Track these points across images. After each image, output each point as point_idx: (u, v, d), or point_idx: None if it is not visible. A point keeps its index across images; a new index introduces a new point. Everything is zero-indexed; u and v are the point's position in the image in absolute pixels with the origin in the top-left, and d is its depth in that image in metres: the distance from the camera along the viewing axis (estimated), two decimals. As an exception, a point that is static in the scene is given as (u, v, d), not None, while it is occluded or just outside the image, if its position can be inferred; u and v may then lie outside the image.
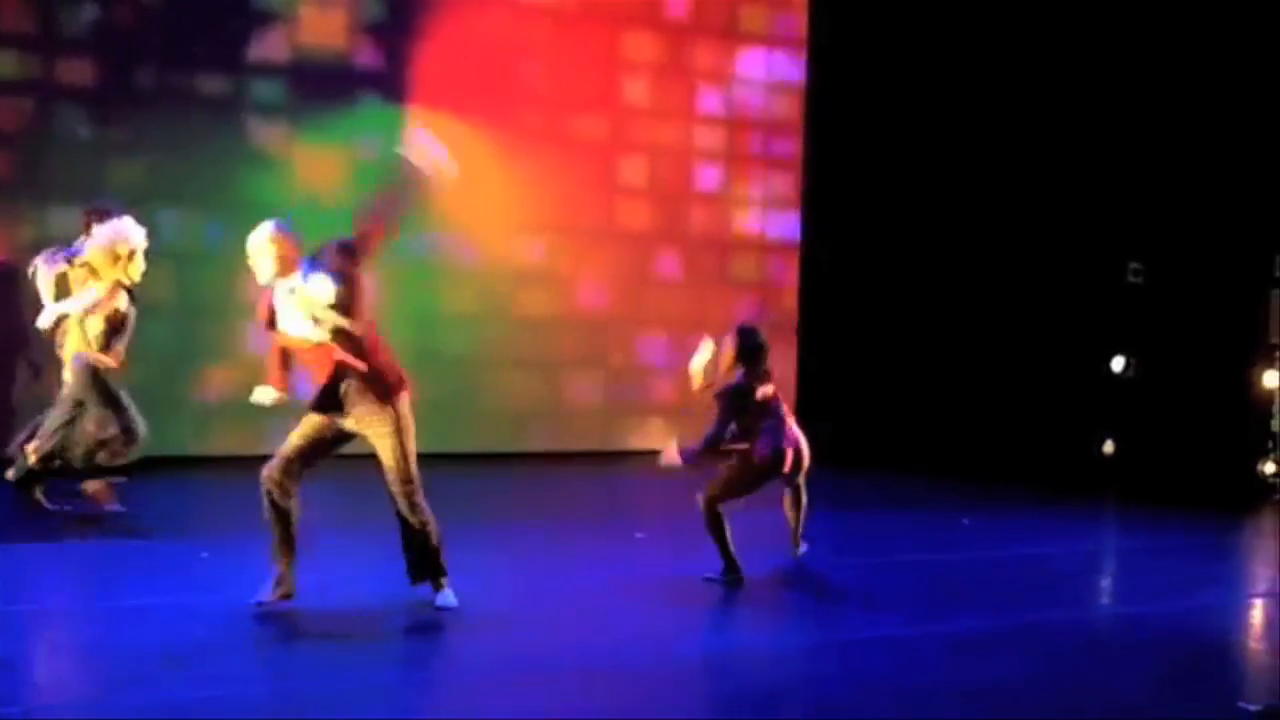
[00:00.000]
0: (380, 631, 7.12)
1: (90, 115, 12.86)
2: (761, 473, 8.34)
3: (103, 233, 9.57)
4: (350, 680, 6.12)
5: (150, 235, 12.61)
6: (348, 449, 7.36)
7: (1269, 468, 12.57)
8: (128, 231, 9.60)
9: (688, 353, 14.88)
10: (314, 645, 6.70)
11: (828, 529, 9.91)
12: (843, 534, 10.02)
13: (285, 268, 7.49)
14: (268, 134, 13.52)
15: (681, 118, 15.28)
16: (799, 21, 15.88)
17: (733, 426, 8.25)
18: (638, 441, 14.27)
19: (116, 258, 9.51)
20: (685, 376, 14.29)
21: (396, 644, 7.04)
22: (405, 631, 7.23)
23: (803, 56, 15.80)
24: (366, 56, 13.94)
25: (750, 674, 6.61)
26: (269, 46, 13.55)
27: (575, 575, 8.45)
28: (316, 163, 13.47)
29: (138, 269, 9.69)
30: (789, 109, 15.80)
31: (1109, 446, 13.64)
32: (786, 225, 15.80)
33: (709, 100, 15.46)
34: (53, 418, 9.45)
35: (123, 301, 9.59)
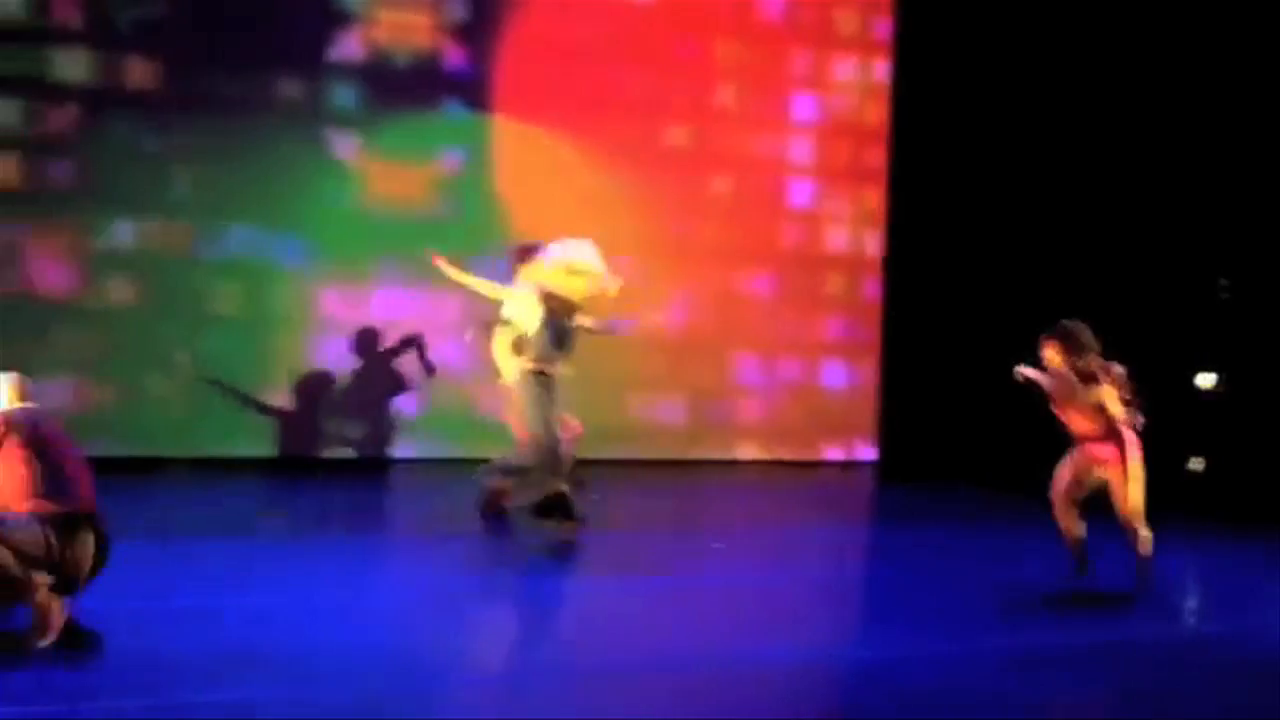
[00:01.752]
0: (456, 634, 7.15)
1: (153, 122, 12.53)
2: None
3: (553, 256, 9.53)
4: (426, 682, 6.16)
5: (218, 248, 12.80)
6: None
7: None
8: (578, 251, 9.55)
9: (777, 373, 15.23)
10: (390, 646, 6.69)
11: (906, 543, 9.86)
12: (922, 549, 9.99)
13: None
14: (342, 142, 13.17)
15: (771, 127, 14.84)
16: (888, 25, 15.38)
17: None
18: (720, 452, 14.25)
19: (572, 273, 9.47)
20: (776, 395, 14.48)
21: (470, 646, 7.06)
22: (479, 634, 7.27)
23: (890, 62, 15.33)
24: (449, 60, 13.54)
25: (819, 689, 6.57)
26: (345, 49, 13.18)
27: (649, 581, 8.45)
28: (394, 173, 13.25)
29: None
30: (878, 117, 15.31)
31: (1196, 464, 13.42)
32: (874, 239, 15.34)
33: (799, 108, 14.99)
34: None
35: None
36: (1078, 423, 8.57)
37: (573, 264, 9.37)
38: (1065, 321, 8.65)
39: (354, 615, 7.26)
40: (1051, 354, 8.58)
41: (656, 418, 14.34)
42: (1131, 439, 8.51)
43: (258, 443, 12.81)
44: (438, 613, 7.52)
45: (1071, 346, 8.53)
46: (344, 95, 13.22)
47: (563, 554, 9.23)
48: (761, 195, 14.81)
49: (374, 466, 13.06)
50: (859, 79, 15.21)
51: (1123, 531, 8.55)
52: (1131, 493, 8.45)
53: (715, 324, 14.41)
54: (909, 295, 15.08)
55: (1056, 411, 8.64)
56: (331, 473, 12.75)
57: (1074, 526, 8.63)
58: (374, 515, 11.40)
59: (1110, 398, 8.43)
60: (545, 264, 9.42)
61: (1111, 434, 8.47)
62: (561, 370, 9.50)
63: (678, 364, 14.29)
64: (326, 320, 13.08)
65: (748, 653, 6.90)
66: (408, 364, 13.24)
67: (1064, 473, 8.61)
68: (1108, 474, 8.49)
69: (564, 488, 9.45)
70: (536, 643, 7.35)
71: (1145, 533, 8.52)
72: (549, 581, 8.71)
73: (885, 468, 14.71)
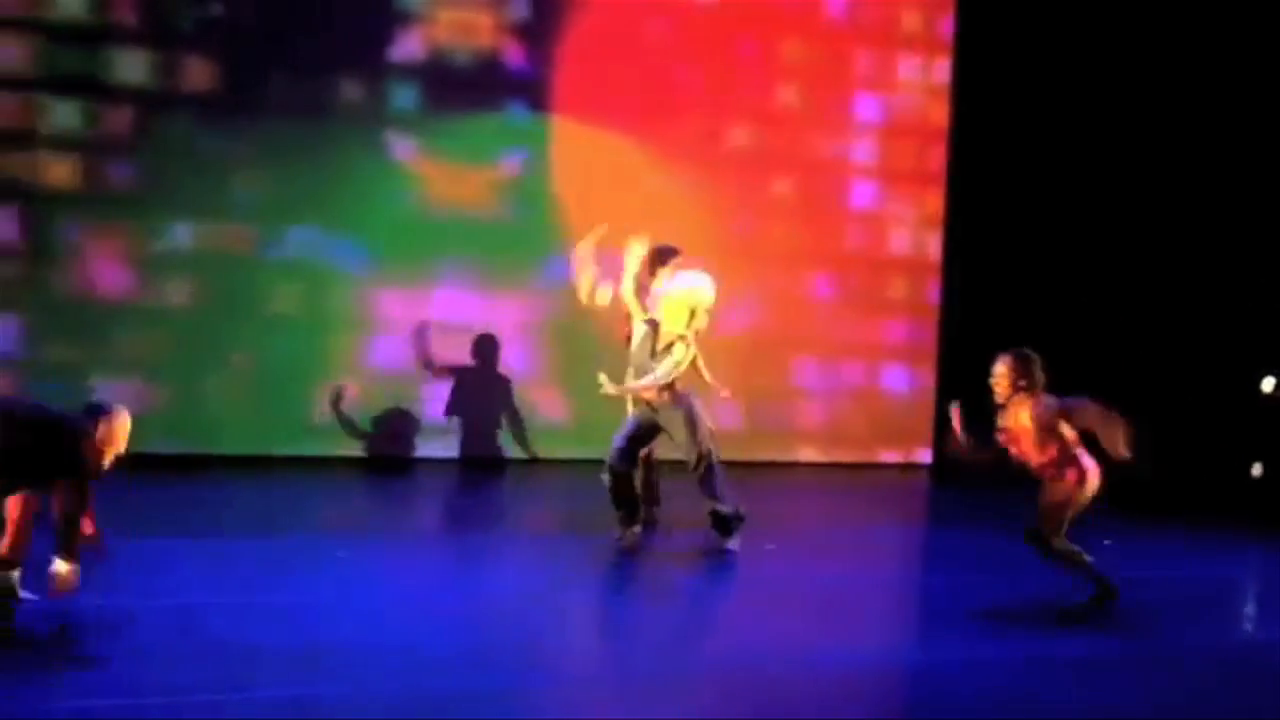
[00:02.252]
0: (517, 633, 7.12)
1: (212, 123, 12.45)
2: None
3: (679, 284, 9.27)
4: (482, 681, 6.12)
5: (278, 250, 12.81)
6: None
7: None
8: (704, 287, 9.22)
9: (840, 376, 15.10)
10: (449, 645, 6.69)
11: (965, 546, 9.81)
12: (983, 552, 9.93)
13: None
14: (402, 143, 13.06)
15: (834, 127, 14.61)
16: (951, 24, 15.08)
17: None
18: (778, 454, 14.16)
19: (692, 314, 9.16)
20: (835, 398, 14.37)
21: (534, 646, 6.99)
22: (543, 634, 7.23)
23: (951, 62, 15.03)
24: (510, 60, 13.39)
25: (877, 691, 6.54)
26: (405, 49, 13.07)
27: (706, 583, 8.45)
28: (454, 175, 13.13)
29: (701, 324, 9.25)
30: (940, 118, 15.02)
31: (1258, 469, 13.28)
32: (936, 242, 15.05)
33: (863, 108, 14.74)
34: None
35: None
36: (1033, 455, 8.08)
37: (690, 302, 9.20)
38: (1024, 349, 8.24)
39: (421, 612, 7.28)
40: (1001, 370, 8.19)
41: (715, 419, 14.24)
42: (1091, 465, 8.00)
43: (318, 442, 12.79)
44: (513, 612, 7.52)
45: (1022, 369, 8.13)
46: (404, 96, 13.12)
47: (630, 556, 9.15)
48: (823, 196, 14.63)
49: (445, 466, 13.06)
50: (922, 79, 15.03)
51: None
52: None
53: (776, 326, 14.31)
54: (967, 298, 14.93)
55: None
56: (390, 471, 12.78)
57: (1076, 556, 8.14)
58: (440, 513, 11.47)
59: (1023, 408, 8.03)
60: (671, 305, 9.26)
61: (1068, 461, 8.00)
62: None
63: (737, 366, 14.17)
64: (385, 322, 13.08)
65: (806, 654, 6.89)
66: (481, 366, 13.27)
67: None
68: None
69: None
70: (604, 644, 7.36)
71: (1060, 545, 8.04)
72: (613, 583, 8.73)
73: (942, 471, 14.61)
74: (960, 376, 14.66)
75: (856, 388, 14.69)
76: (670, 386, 9.06)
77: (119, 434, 6.67)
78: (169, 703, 5.53)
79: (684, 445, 9.06)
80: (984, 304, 14.66)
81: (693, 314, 9.05)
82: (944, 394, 14.77)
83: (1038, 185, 14.53)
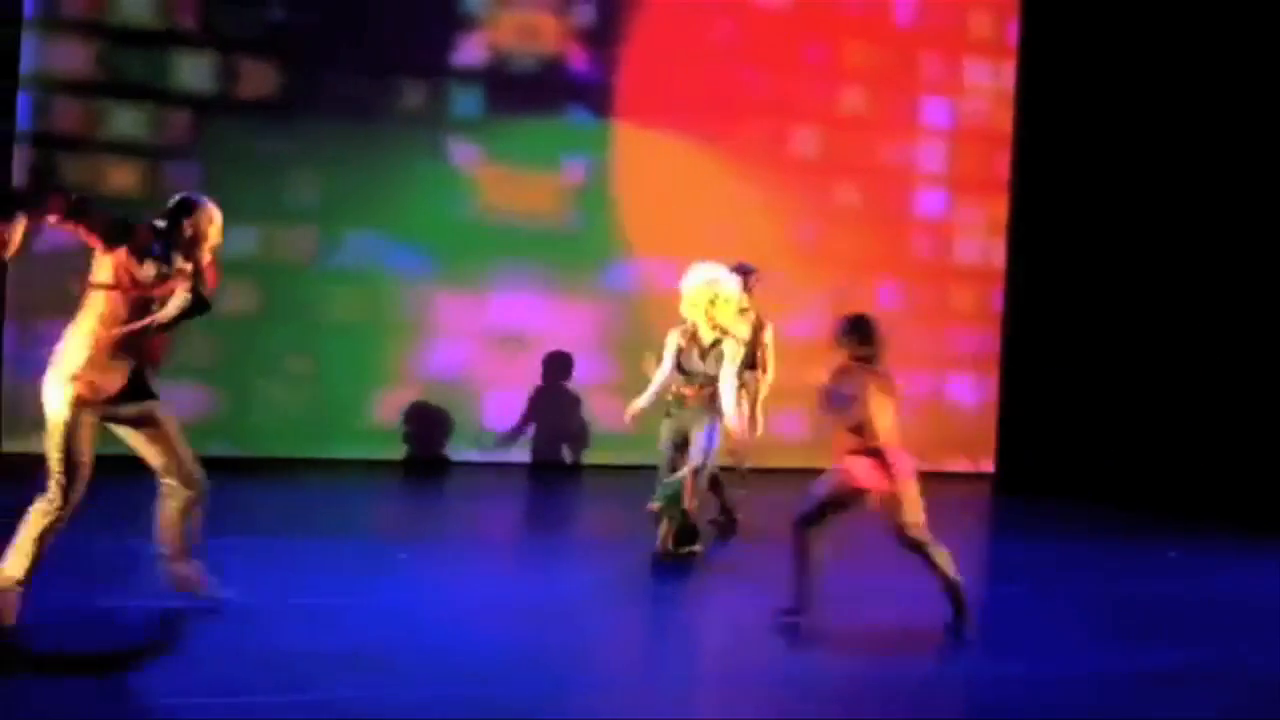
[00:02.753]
0: (586, 635, 7.13)
1: (273, 127, 12.45)
2: None
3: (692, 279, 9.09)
4: (545, 684, 6.13)
5: (336, 255, 12.73)
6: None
7: None
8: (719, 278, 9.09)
9: (905, 385, 14.65)
10: (506, 649, 6.63)
11: (1035, 559, 9.86)
12: (1049, 565, 9.76)
13: None
14: (463, 148, 13.01)
15: (900, 132, 14.46)
16: (1016, 29, 14.94)
17: None
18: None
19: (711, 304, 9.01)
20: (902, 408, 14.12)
21: (602, 649, 7.01)
22: (617, 640, 7.24)
23: (1016, 66, 14.89)
24: (572, 65, 13.34)
25: (935, 704, 6.42)
26: (466, 54, 13.03)
27: (769, 594, 8.29)
28: (515, 180, 13.07)
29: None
30: (1007, 124, 14.88)
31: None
32: (1002, 249, 14.90)
33: (929, 113, 14.61)
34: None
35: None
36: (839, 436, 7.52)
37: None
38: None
39: (480, 616, 7.25)
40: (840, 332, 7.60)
41: (779, 426, 14.08)
42: (897, 454, 7.38)
43: (374, 446, 12.75)
44: (589, 615, 7.51)
45: (856, 335, 7.50)
46: (466, 101, 13.07)
47: (695, 563, 9.03)
48: (889, 202, 14.47)
49: (496, 470, 12.97)
50: (987, 84, 14.83)
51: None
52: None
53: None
54: (1031, 307, 14.70)
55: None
56: (445, 475, 12.77)
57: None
58: (498, 518, 11.32)
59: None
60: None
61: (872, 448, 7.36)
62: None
63: (801, 372, 13.98)
64: (443, 327, 13.02)
65: (871, 664, 6.83)
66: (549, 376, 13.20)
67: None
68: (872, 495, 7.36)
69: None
70: (678, 651, 7.30)
71: (945, 550, 7.43)
72: (685, 590, 8.64)
73: (1004, 481, 14.40)
74: (1025, 385, 14.55)
75: (921, 396, 14.44)
76: (713, 385, 8.99)
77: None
78: (229, 703, 5.53)
79: (694, 447, 8.94)
80: (1049, 312, 14.45)
81: (712, 304, 8.94)
82: (1009, 403, 14.59)
83: (1104, 191, 14.26)
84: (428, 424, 12.93)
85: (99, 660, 6.09)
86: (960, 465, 14.63)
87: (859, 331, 7.56)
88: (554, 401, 13.23)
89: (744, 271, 9.77)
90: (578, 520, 11.64)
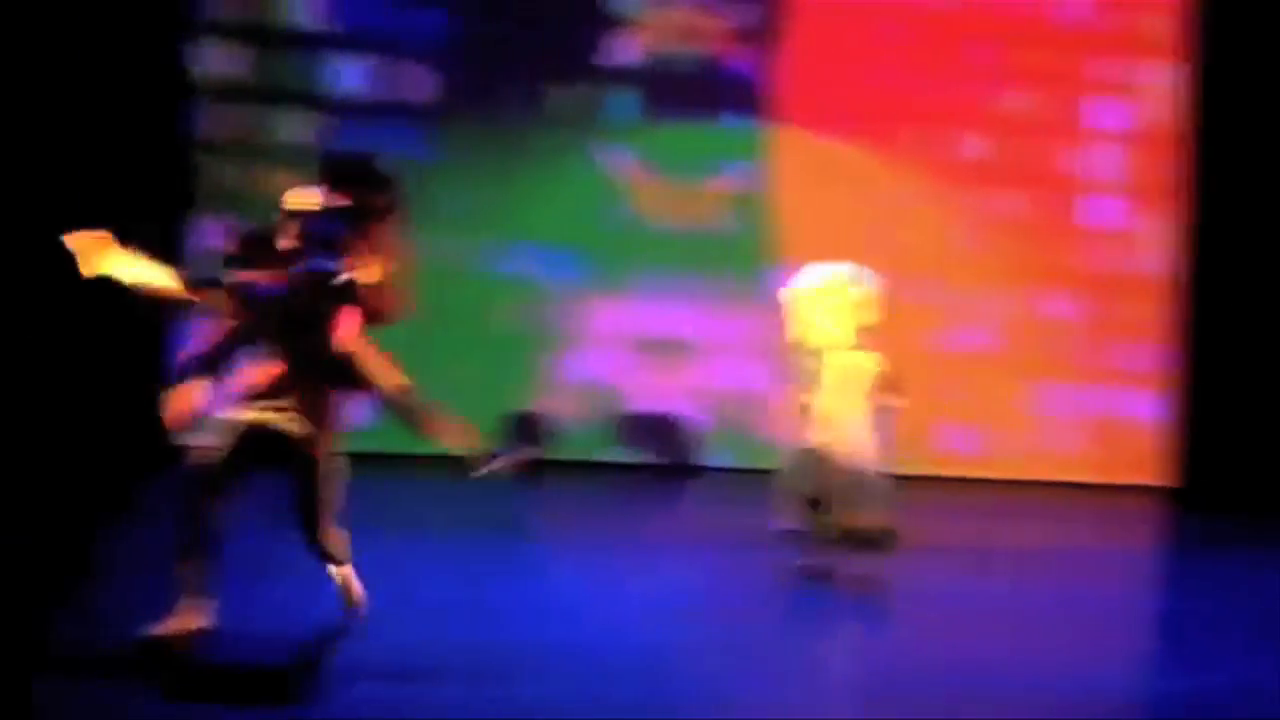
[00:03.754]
0: (755, 639, 7.15)
1: (428, 134, 12.52)
2: None
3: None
4: (720, 688, 6.21)
5: (493, 262, 12.70)
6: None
7: None
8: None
9: (1077, 399, 14.40)
10: (681, 649, 6.74)
11: (1209, 572, 9.80)
12: (1225, 579, 9.58)
13: None
14: (619, 153, 12.92)
15: (1068, 137, 13.88)
16: (1191, 28, 14.00)
17: None
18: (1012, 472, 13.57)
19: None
20: (1071, 417, 13.72)
21: (777, 654, 7.01)
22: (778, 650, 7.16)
23: (1192, 67, 13.98)
24: (732, 67, 13.12)
25: (1109, 715, 6.39)
26: (621, 56, 12.94)
27: (942, 603, 8.33)
28: (672, 186, 12.96)
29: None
30: (1181, 127, 14.00)
31: None
32: (1178, 259, 13.99)
33: (1099, 117, 13.99)
34: None
35: None
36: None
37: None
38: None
39: (652, 617, 7.38)
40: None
41: (945, 437, 13.75)
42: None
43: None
44: (729, 620, 7.54)
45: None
46: (620, 104, 12.96)
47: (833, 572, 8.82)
48: (1058, 209, 14.00)
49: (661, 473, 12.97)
50: (1162, 85, 14.26)
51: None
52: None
53: (1009, 346, 13.68)
54: (1211, 318, 14.08)
55: None
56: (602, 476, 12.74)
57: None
58: (650, 518, 11.48)
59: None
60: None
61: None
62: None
63: (969, 386, 13.66)
64: (596, 335, 12.90)
65: (1045, 678, 6.74)
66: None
67: None
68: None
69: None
70: (828, 653, 7.39)
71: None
72: (831, 593, 8.48)
73: (1185, 495, 13.86)
74: (1206, 400, 13.95)
75: (1095, 411, 13.96)
76: None
77: None
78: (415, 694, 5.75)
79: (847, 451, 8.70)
80: (1229, 323, 13.83)
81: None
82: (1187, 416, 14.02)
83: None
84: (578, 428, 12.86)
85: (293, 648, 6.32)
86: (1135, 479, 14.07)
87: None
88: (707, 407, 13.09)
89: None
90: (736, 523, 11.41)
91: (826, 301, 8.62)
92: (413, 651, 6.45)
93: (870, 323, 8.72)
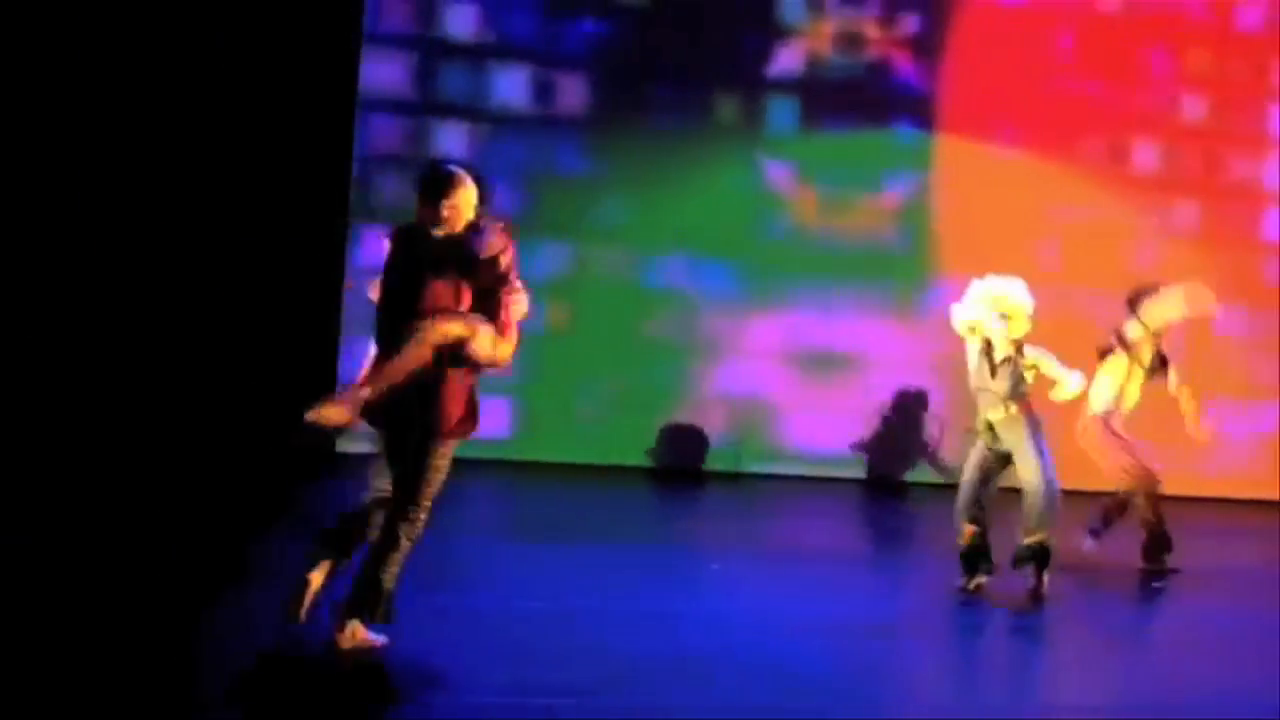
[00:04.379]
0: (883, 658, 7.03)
1: (587, 144, 12.44)
2: None
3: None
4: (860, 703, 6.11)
5: (648, 273, 12.61)
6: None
7: None
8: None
9: (1250, 415, 13.89)
10: (813, 664, 6.60)
11: None
12: None
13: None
14: (778, 162, 12.71)
15: (1247, 146, 13.47)
16: None
17: None
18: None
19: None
20: (1246, 435, 13.25)
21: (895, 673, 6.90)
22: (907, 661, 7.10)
23: None
24: (895, 75, 12.87)
25: None
26: (783, 64, 12.73)
27: (1101, 619, 8.30)
28: (832, 196, 12.71)
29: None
30: None
31: None
32: None
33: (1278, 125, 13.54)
34: None
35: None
36: None
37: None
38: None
39: (789, 629, 7.25)
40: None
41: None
42: None
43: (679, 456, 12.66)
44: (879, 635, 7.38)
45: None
46: (780, 114, 12.77)
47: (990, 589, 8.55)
48: (1234, 222, 13.56)
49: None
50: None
51: None
52: None
53: (1185, 362, 13.22)
54: None
55: None
56: (751, 487, 12.56)
57: None
58: (806, 531, 11.07)
59: None
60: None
61: None
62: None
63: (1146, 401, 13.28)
64: (752, 348, 12.70)
65: (1212, 698, 6.63)
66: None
67: None
68: None
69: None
70: (983, 679, 7.20)
71: None
72: (981, 615, 8.26)
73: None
74: None
75: (1268, 427, 13.47)
76: (1022, 400, 8.39)
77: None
78: (546, 704, 5.70)
79: (1028, 470, 8.35)
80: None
81: (1006, 318, 8.38)
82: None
83: None
84: (732, 441, 12.74)
85: (434, 655, 6.23)
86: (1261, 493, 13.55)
87: None
88: (871, 421, 12.89)
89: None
90: (897, 537, 11.45)
91: (986, 319, 8.38)
92: (588, 655, 6.47)
93: (1023, 334, 8.44)
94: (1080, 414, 9.51)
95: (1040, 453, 8.38)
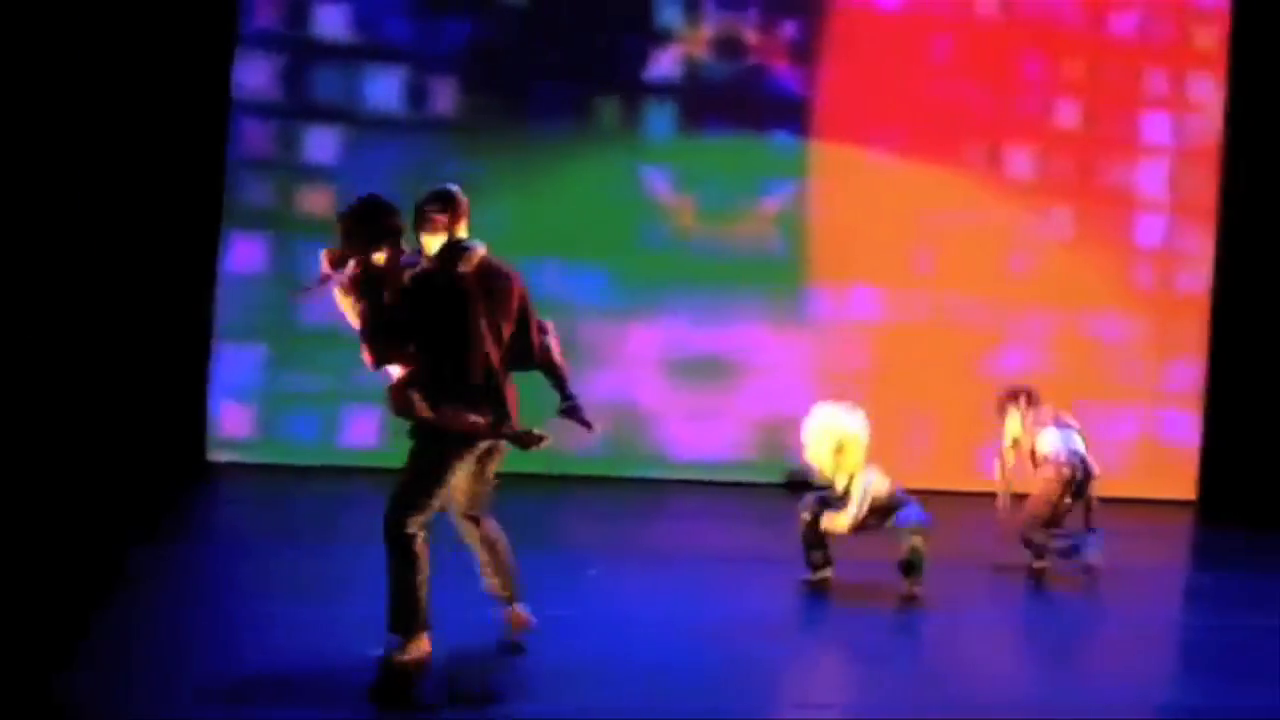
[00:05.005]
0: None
1: (463, 148, 12.22)
2: None
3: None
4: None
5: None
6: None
7: None
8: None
9: (1111, 414, 14.04)
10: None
11: (1227, 587, 9.72)
12: (1245, 594, 9.47)
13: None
14: (654, 169, 12.59)
15: (1119, 152, 13.57)
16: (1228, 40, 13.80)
17: None
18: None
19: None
20: (1107, 436, 13.39)
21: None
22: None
23: (1225, 81, 13.77)
24: (774, 82, 12.81)
25: None
26: (662, 69, 12.64)
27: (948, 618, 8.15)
28: (711, 202, 12.65)
29: None
30: (1220, 141, 13.77)
31: None
32: (1210, 276, 13.76)
33: (1150, 131, 13.68)
34: None
35: None
36: None
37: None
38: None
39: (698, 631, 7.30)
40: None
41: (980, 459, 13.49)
42: None
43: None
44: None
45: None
46: (660, 119, 12.68)
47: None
48: (1107, 227, 13.71)
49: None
50: (1209, 100, 13.92)
51: None
52: None
53: (1056, 367, 13.38)
54: (1237, 335, 13.71)
55: None
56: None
57: None
58: (687, 534, 10.94)
59: None
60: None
61: None
62: None
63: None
64: (630, 356, 12.62)
65: (1060, 693, 6.75)
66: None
67: None
68: None
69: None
70: (860, 676, 7.14)
71: None
72: (866, 613, 8.26)
73: (1207, 510, 13.56)
74: (1227, 413, 13.60)
75: (1135, 430, 13.63)
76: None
77: None
78: (425, 716, 5.68)
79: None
80: (1256, 340, 13.49)
81: (839, 450, 8.46)
82: (1211, 431, 13.71)
83: None
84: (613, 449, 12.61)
85: (306, 666, 6.14)
86: (1166, 494, 13.77)
87: None
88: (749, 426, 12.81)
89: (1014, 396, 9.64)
90: (773, 539, 11.23)
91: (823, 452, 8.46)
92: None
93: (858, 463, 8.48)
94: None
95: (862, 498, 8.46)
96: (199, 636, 6.59)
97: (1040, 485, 9.30)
